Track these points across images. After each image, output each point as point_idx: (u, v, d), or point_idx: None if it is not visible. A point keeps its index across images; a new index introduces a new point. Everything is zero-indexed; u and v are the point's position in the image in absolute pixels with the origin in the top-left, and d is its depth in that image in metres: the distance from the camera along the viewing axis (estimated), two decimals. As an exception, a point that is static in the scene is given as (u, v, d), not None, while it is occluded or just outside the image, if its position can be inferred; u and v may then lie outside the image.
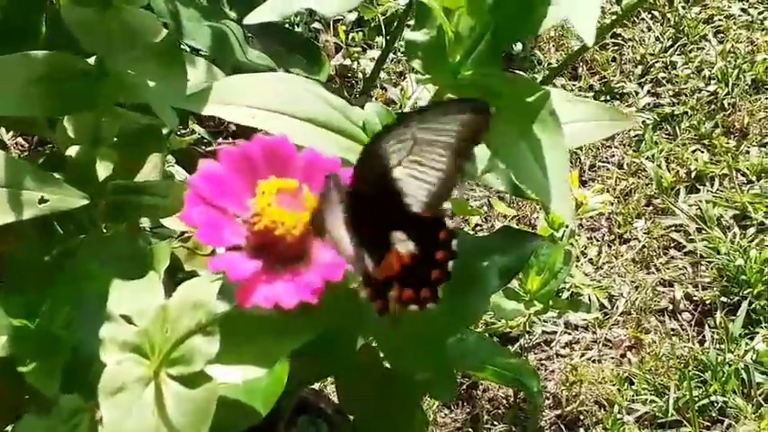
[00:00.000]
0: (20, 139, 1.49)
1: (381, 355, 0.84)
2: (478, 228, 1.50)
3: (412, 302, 0.46)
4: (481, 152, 0.61)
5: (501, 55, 0.55)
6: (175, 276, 0.69)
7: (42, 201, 0.51)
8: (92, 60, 0.66)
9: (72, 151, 0.68)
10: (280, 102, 0.58)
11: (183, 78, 0.58)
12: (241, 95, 0.58)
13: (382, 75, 1.67)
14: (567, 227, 1.31)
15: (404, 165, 0.45)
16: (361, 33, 1.74)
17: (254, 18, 0.49)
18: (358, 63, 1.69)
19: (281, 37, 0.90)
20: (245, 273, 0.38)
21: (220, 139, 1.59)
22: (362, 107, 0.62)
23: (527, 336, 1.38)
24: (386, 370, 0.81)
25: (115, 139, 0.74)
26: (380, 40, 1.74)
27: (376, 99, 1.62)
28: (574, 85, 1.69)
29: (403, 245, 0.45)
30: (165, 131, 0.79)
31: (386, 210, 0.46)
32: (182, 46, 0.75)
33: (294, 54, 0.88)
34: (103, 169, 0.69)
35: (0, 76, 0.61)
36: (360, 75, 1.69)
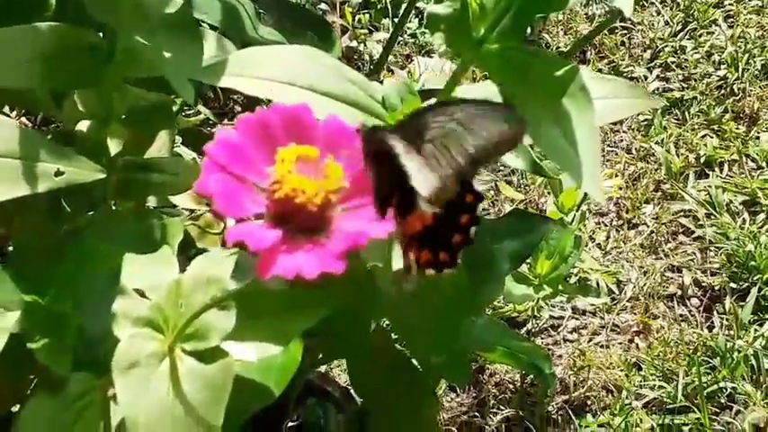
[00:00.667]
0: (23, 119, 1.47)
1: (394, 337, 0.83)
2: (485, 212, 1.49)
3: (430, 265, 0.45)
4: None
5: (525, 30, 0.54)
6: (188, 253, 0.68)
7: (58, 173, 0.50)
8: (101, 34, 0.65)
9: (82, 126, 0.67)
10: (297, 74, 0.56)
11: (199, 50, 0.57)
12: (258, 67, 0.56)
13: (389, 57, 1.65)
14: (576, 211, 1.29)
15: (434, 144, 0.43)
16: (367, 15, 1.72)
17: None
18: (365, 45, 1.68)
19: (292, 14, 0.89)
20: (265, 243, 0.37)
21: (225, 120, 1.58)
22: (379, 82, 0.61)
23: (534, 320, 1.37)
24: (398, 353, 0.80)
25: (124, 116, 0.72)
26: (387, 22, 1.72)
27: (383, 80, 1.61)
28: (582, 69, 1.67)
29: (428, 205, 0.44)
30: (174, 109, 0.77)
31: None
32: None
33: (305, 31, 0.87)
34: (113, 145, 0.68)
35: (6, 48, 0.60)
36: (366, 57, 1.67)
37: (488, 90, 0.57)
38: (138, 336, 0.45)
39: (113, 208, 0.70)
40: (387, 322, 0.83)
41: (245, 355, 0.49)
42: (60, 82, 0.63)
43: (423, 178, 0.42)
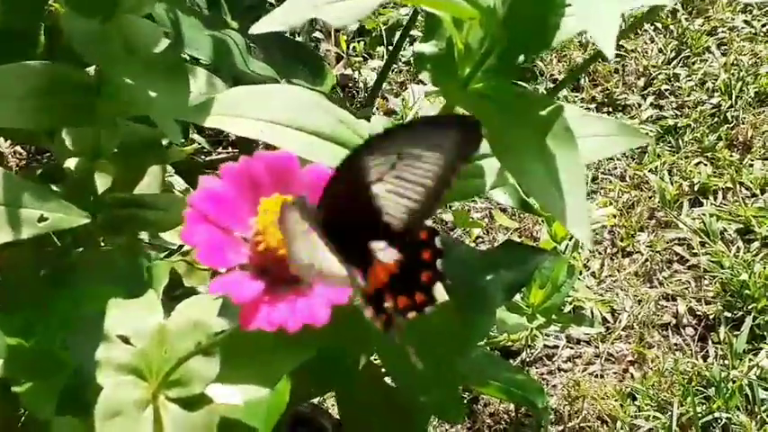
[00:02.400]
0: (18, 148, 1.47)
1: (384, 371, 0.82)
2: (480, 240, 1.49)
3: (410, 310, 0.44)
4: (489, 166, 0.60)
5: (512, 68, 0.54)
6: (174, 292, 0.68)
7: (42, 219, 0.49)
8: (91, 71, 0.65)
9: (71, 163, 0.67)
10: (285, 114, 0.56)
11: (186, 90, 0.57)
12: (245, 107, 0.56)
13: (384, 84, 1.66)
14: (570, 239, 1.29)
15: (385, 180, 0.43)
16: (362, 43, 1.73)
17: (259, 28, 0.47)
18: (359, 73, 1.68)
19: (283, 47, 0.89)
20: (248, 295, 0.37)
21: (220, 149, 1.57)
22: (367, 119, 0.61)
23: (528, 349, 1.37)
24: (389, 388, 0.80)
25: (114, 150, 0.72)
26: (381, 50, 1.73)
27: (378, 109, 1.61)
28: (576, 97, 1.67)
29: (385, 254, 0.43)
30: (164, 142, 0.77)
31: (363, 223, 0.44)
32: (182, 55, 0.74)
33: (297, 65, 0.87)
34: (102, 182, 0.68)
35: (2, 87, 0.60)
36: (361, 84, 1.68)
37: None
38: (122, 383, 0.44)
39: (102, 244, 0.70)
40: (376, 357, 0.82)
41: (231, 398, 0.49)
42: (50, 120, 0.63)
43: (397, 202, 0.42)
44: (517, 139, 0.51)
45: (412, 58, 1.70)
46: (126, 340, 0.46)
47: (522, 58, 0.53)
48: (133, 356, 0.45)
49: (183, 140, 1.08)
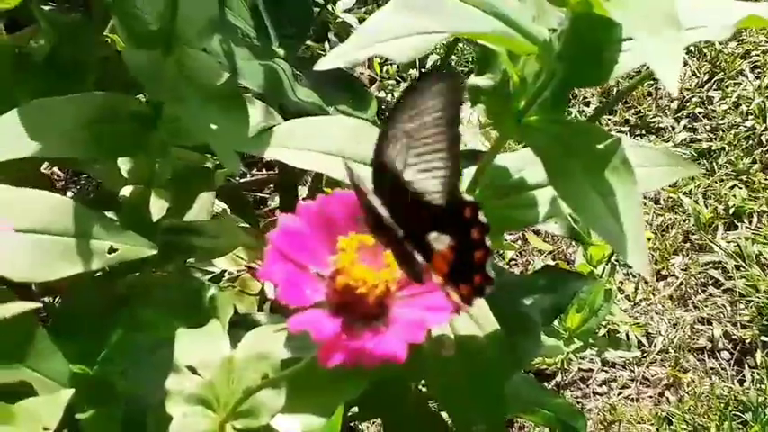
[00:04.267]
0: (56, 170, 1.49)
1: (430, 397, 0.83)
2: (513, 262, 1.49)
3: (474, 295, 0.44)
4: (542, 197, 0.61)
5: (567, 102, 0.54)
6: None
7: (111, 250, 0.50)
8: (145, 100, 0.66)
9: (126, 191, 0.68)
10: (341, 146, 0.57)
11: (246, 122, 0.58)
12: (301, 139, 0.58)
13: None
14: (606, 263, 1.29)
15: (409, 164, 0.44)
16: (395, 66, 1.74)
17: (322, 65, 0.48)
18: (392, 96, 1.69)
19: (328, 74, 0.89)
20: (327, 332, 0.37)
21: (254, 170, 1.59)
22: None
23: (563, 373, 1.37)
24: (436, 414, 0.80)
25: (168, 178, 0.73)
26: (414, 72, 1.74)
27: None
28: (609, 119, 1.68)
29: (439, 242, 0.44)
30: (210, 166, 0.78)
31: (411, 215, 0.44)
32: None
33: (342, 91, 0.88)
34: (156, 209, 0.69)
35: (51, 118, 0.61)
36: (394, 107, 1.68)
37: (528, 157, 0.58)
38: (191, 414, 0.45)
39: (153, 270, 0.71)
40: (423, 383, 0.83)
41: (293, 428, 0.50)
42: (104, 150, 0.64)
43: (429, 177, 0.43)
44: (575, 171, 0.52)
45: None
46: (193, 370, 0.47)
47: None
48: (202, 387, 0.46)
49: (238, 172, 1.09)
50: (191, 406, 0.46)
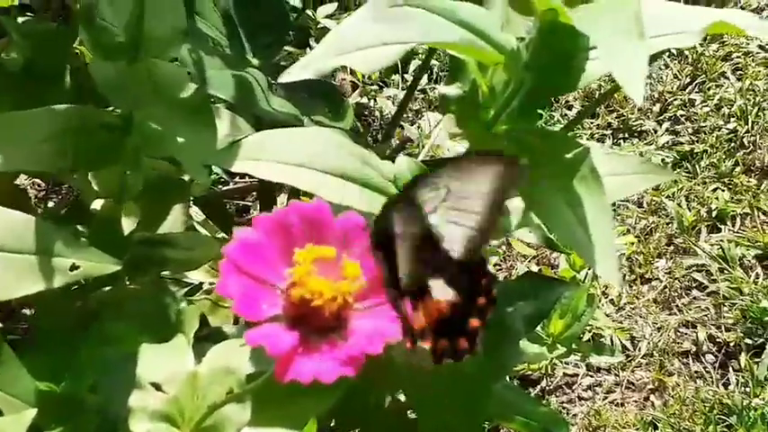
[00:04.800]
0: (37, 180, 1.48)
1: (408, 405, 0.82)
2: (497, 267, 1.49)
3: (447, 355, 0.44)
4: (514, 206, 0.60)
5: (536, 112, 0.54)
6: (200, 330, 0.68)
7: (74, 267, 0.50)
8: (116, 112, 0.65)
9: (97, 204, 0.67)
10: (311, 157, 0.57)
11: (213, 134, 0.57)
12: (270, 151, 0.57)
13: (400, 113, 1.66)
14: (589, 268, 1.29)
15: (440, 211, 0.44)
16: (377, 72, 1.73)
17: (288, 77, 0.47)
18: (375, 101, 1.69)
19: (304, 83, 0.89)
20: (283, 347, 0.37)
21: (237, 178, 1.58)
22: (385, 152, 0.61)
23: (548, 378, 1.36)
24: (413, 422, 0.80)
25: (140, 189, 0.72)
26: (396, 78, 1.73)
27: (395, 138, 1.62)
28: (591, 123, 1.68)
29: (442, 291, 0.44)
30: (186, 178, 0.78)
31: (424, 255, 0.44)
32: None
33: (317, 100, 0.87)
34: (128, 221, 0.68)
35: (20, 131, 0.60)
36: (377, 113, 1.68)
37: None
38: (155, 431, 0.45)
39: (127, 283, 0.70)
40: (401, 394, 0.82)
41: (261, 442, 0.49)
42: (74, 163, 0.63)
43: (455, 229, 0.43)
44: (543, 181, 0.51)
45: (427, 88, 1.71)
46: (158, 387, 0.46)
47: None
48: (165, 403, 0.46)
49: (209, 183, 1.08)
50: (154, 423, 0.45)
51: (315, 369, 0.37)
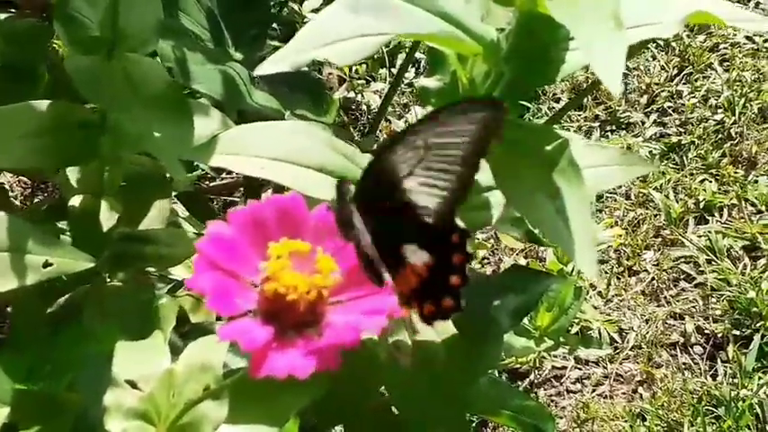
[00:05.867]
0: (23, 177, 1.47)
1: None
2: (486, 261, 1.49)
3: (435, 316, 0.45)
4: (495, 199, 0.60)
5: (517, 102, 0.54)
6: (182, 327, 0.67)
7: (47, 264, 0.49)
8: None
9: (76, 201, 0.67)
10: (288, 151, 0.56)
11: (190, 129, 0.57)
12: (248, 145, 0.56)
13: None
14: (576, 261, 1.28)
15: (416, 173, 0.44)
16: (364, 66, 1.73)
17: (265, 69, 0.47)
18: (362, 95, 1.68)
19: (287, 77, 0.89)
20: (257, 342, 0.36)
21: (224, 174, 1.57)
22: (370, 146, 0.61)
23: (536, 371, 1.36)
24: (397, 418, 0.79)
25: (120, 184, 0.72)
26: (384, 72, 1.73)
27: (381, 132, 1.61)
28: (579, 116, 1.67)
29: (416, 256, 0.44)
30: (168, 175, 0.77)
31: (394, 223, 0.45)
32: (188, 91, 0.74)
33: (301, 94, 0.87)
34: (107, 218, 0.68)
35: (0, 128, 0.60)
36: (364, 107, 1.68)
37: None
38: (131, 429, 0.44)
39: (107, 280, 0.70)
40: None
41: (240, 440, 0.49)
42: (53, 159, 0.63)
43: (429, 193, 0.43)
44: (522, 173, 0.51)
45: (414, 81, 1.70)
46: (133, 384, 0.46)
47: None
48: (141, 401, 0.45)
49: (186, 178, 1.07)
50: (130, 421, 0.45)
51: (289, 364, 0.36)
